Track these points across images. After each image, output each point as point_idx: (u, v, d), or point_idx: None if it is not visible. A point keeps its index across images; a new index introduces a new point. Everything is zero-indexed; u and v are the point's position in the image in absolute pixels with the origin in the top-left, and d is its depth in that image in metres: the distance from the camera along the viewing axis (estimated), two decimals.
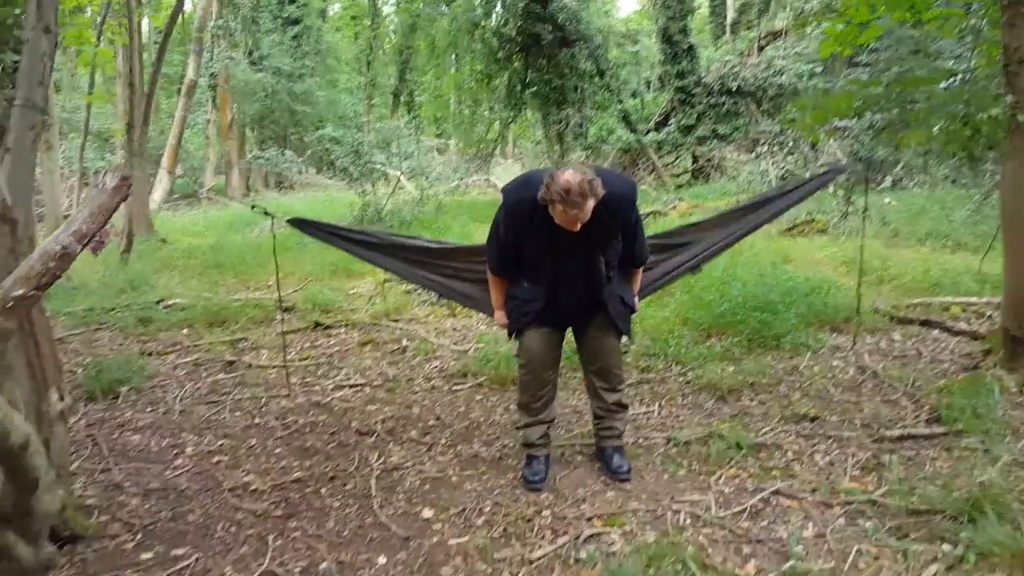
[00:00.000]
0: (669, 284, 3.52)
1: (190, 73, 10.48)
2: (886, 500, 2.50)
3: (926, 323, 4.66)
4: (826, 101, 4.21)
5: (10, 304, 1.34)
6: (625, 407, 2.92)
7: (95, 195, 1.51)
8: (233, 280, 6.78)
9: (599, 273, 2.68)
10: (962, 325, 4.53)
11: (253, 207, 3.18)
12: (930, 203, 8.57)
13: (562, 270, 2.66)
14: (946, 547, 2.19)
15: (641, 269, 2.94)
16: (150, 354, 4.61)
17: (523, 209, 2.55)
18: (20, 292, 1.35)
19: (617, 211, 2.56)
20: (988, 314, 4.72)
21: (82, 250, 1.47)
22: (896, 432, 3.05)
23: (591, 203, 2.39)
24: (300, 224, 3.34)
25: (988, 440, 2.83)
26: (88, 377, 3.97)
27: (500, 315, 2.93)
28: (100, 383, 3.92)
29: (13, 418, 1.61)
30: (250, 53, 18.59)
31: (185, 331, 5.17)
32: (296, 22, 20.11)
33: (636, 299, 2.92)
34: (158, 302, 5.74)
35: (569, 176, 2.35)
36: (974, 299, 5.03)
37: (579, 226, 2.45)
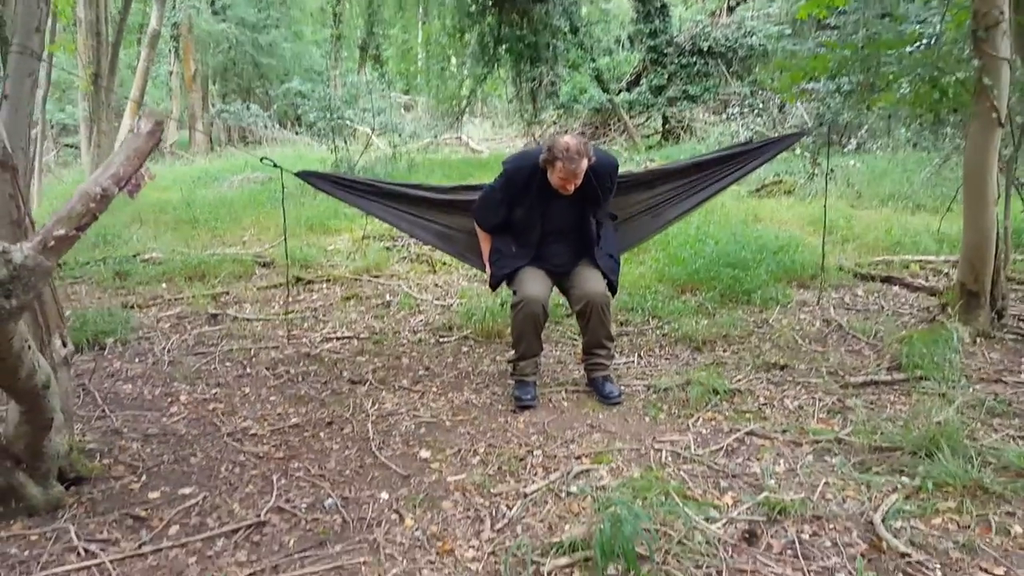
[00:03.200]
0: (651, 237, 3.79)
1: (153, 22, 10.07)
2: (851, 439, 2.70)
3: (887, 279, 4.92)
4: (803, 62, 4.34)
5: (51, 243, 1.38)
6: (612, 340, 3.24)
7: (131, 139, 1.54)
8: (207, 235, 6.71)
9: (589, 232, 3.10)
10: (921, 281, 4.79)
11: (263, 159, 3.24)
12: (892, 166, 8.86)
13: (552, 230, 3.09)
14: (905, 479, 2.40)
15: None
16: (131, 307, 4.59)
17: (522, 175, 3.01)
18: (62, 232, 1.39)
19: (603, 178, 3.05)
20: (945, 271, 4.99)
21: (119, 192, 1.51)
22: (860, 379, 3.27)
23: (585, 163, 2.84)
24: (309, 176, 3.44)
25: (944, 385, 3.07)
26: (72, 329, 3.95)
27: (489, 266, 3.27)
28: (84, 334, 3.92)
29: (39, 358, 1.66)
30: (212, 3, 17.90)
31: (164, 285, 5.14)
32: None
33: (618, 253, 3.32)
34: (135, 255, 5.68)
35: (568, 139, 2.89)
36: (932, 257, 5.31)
37: (572, 188, 2.90)
